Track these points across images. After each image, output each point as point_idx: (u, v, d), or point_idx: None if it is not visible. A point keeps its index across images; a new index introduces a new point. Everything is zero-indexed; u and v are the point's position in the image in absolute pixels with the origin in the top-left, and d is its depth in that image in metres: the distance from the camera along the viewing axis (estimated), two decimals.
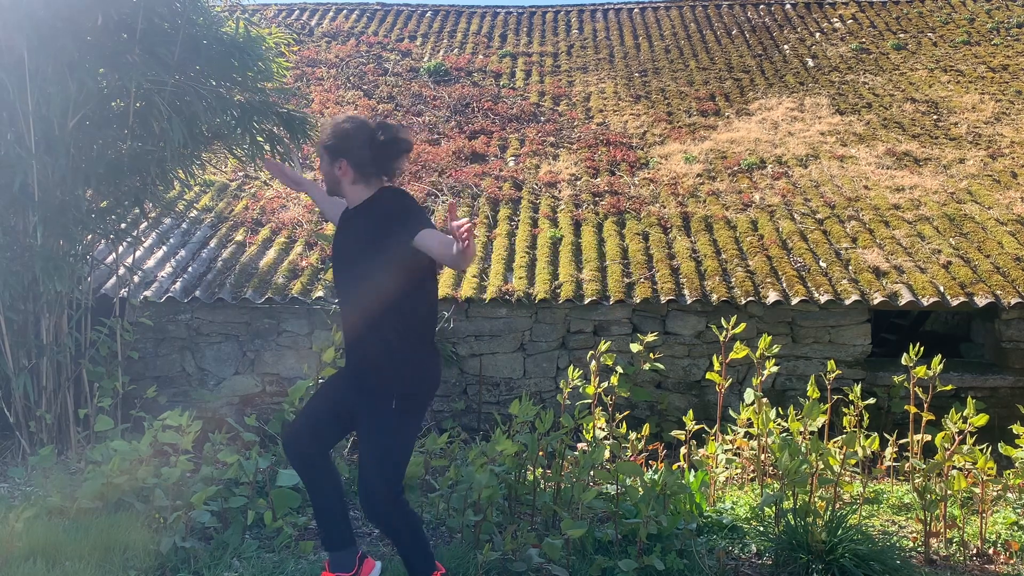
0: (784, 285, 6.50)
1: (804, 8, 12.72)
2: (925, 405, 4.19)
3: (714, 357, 4.44)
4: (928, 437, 4.14)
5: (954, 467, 3.82)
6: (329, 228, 7.26)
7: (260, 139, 5.65)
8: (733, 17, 12.58)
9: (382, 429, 2.88)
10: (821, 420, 3.91)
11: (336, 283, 3.10)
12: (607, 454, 3.98)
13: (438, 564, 3.07)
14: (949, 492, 3.72)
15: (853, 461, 4.31)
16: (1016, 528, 3.96)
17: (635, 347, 4.62)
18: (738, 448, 4.54)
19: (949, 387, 4.86)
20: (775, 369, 4.38)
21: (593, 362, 4.34)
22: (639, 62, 11.35)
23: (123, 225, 5.65)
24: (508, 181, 8.25)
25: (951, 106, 9.72)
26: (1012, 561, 3.66)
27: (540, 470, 3.91)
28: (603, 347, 4.38)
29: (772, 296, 6.35)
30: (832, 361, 4.41)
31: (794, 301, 6.33)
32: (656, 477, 3.76)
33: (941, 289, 6.41)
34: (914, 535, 3.89)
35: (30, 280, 5.05)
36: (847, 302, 6.31)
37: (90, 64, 4.87)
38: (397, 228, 2.85)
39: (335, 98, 10.05)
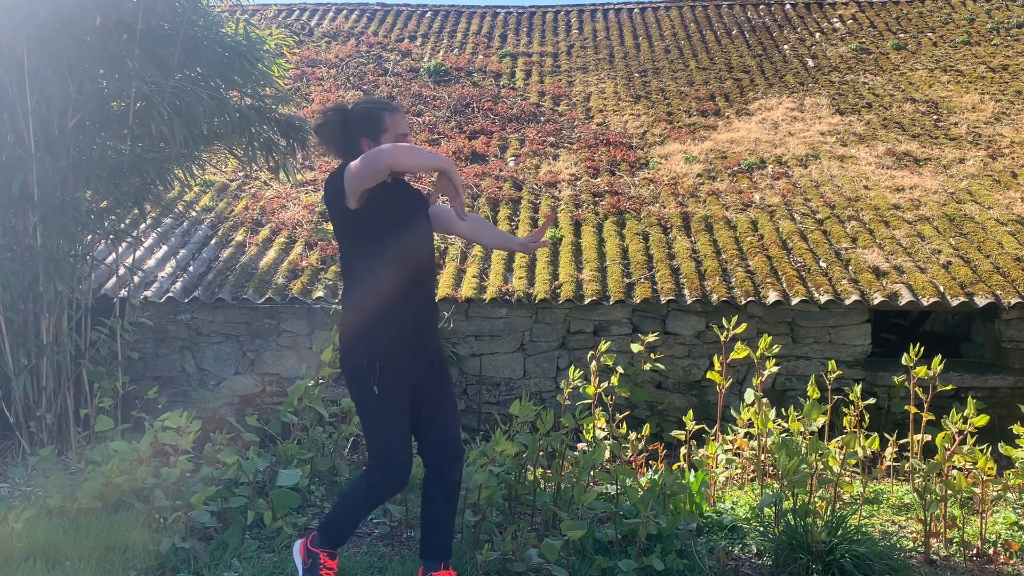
0: (784, 285, 6.50)
1: (804, 8, 12.72)
2: (925, 405, 4.18)
3: (714, 357, 4.44)
4: (928, 437, 4.14)
5: (954, 467, 3.82)
6: (327, 227, 7.26)
7: (256, 144, 5.63)
8: (733, 17, 12.58)
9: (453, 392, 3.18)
10: (821, 420, 3.90)
11: (409, 253, 2.93)
12: (607, 454, 3.98)
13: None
14: (949, 492, 3.72)
15: (853, 461, 4.30)
16: (1016, 528, 3.96)
17: (636, 347, 4.62)
18: (738, 448, 4.53)
19: (949, 387, 4.86)
20: (775, 369, 4.38)
21: (593, 362, 4.34)
22: (639, 62, 11.36)
23: (123, 225, 5.66)
24: (508, 181, 8.25)
25: (951, 106, 9.72)
26: (1012, 561, 3.66)
27: (540, 470, 3.91)
28: (603, 347, 4.38)
29: (772, 296, 6.35)
30: (832, 361, 4.41)
31: (794, 301, 6.34)
32: (656, 477, 3.75)
33: (941, 289, 6.41)
34: (914, 535, 3.89)
35: (30, 280, 5.05)
36: (847, 302, 6.31)
37: (90, 65, 4.87)
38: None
39: (335, 98, 10.05)
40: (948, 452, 3.75)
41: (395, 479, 2.91)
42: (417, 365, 2.94)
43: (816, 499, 3.67)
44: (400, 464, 2.89)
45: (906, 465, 4.45)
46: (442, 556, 3.05)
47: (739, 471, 4.58)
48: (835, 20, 12.28)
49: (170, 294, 6.47)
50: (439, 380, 3.04)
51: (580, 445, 4.11)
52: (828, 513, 3.59)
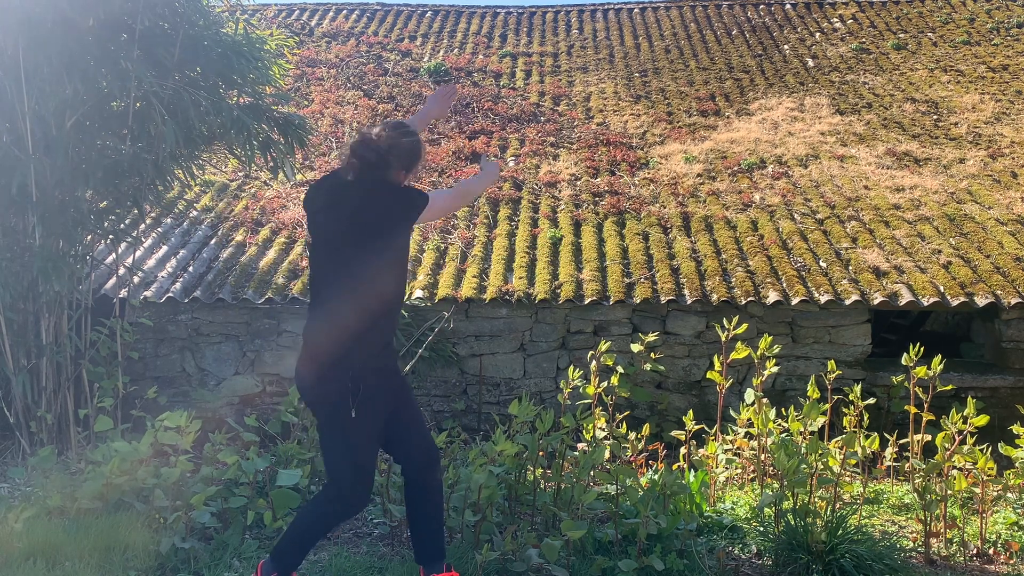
0: (784, 285, 6.50)
1: (804, 8, 12.72)
2: (925, 405, 4.18)
3: (714, 357, 4.43)
4: (928, 437, 4.13)
5: (954, 467, 3.82)
6: None
7: (255, 143, 5.61)
8: (733, 17, 12.58)
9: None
10: (821, 420, 3.90)
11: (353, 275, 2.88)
12: (607, 454, 3.98)
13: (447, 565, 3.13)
14: (949, 492, 3.72)
15: (853, 461, 4.30)
16: (1016, 528, 3.96)
17: (636, 347, 4.62)
18: (738, 448, 4.53)
19: (949, 387, 4.86)
20: (775, 369, 4.37)
21: (593, 362, 4.34)
22: (639, 62, 11.35)
23: (123, 225, 5.65)
24: (508, 181, 8.25)
25: (951, 106, 9.72)
26: (1012, 561, 3.66)
27: (540, 470, 3.90)
28: (603, 347, 4.37)
29: (772, 296, 6.35)
30: (832, 361, 4.41)
31: (794, 301, 6.33)
32: (656, 477, 3.75)
33: (941, 289, 6.41)
34: (914, 535, 3.88)
35: (30, 280, 5.05)
36: (847, 302, 6.31)
37: (88, 64, 4.86)
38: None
39: (335, 98, 10.05)
40: (948, 452, 3.75)
41: (356, 502, 2.90)
42: (389, 386, 2.95)
43: (816, 499, 3.67)
44: (366, 488, 2.89)
45: (906, 465, 4.45)
46: (441, 556, 3.07)
47: (739, 471, 4.58)
48: (835, 20, 12.28)
49: (170, 294, 6.47)
50: (402, 393, 3.04)
51: (580, 445, 4.11)
52: (828, 513, 3.59)
